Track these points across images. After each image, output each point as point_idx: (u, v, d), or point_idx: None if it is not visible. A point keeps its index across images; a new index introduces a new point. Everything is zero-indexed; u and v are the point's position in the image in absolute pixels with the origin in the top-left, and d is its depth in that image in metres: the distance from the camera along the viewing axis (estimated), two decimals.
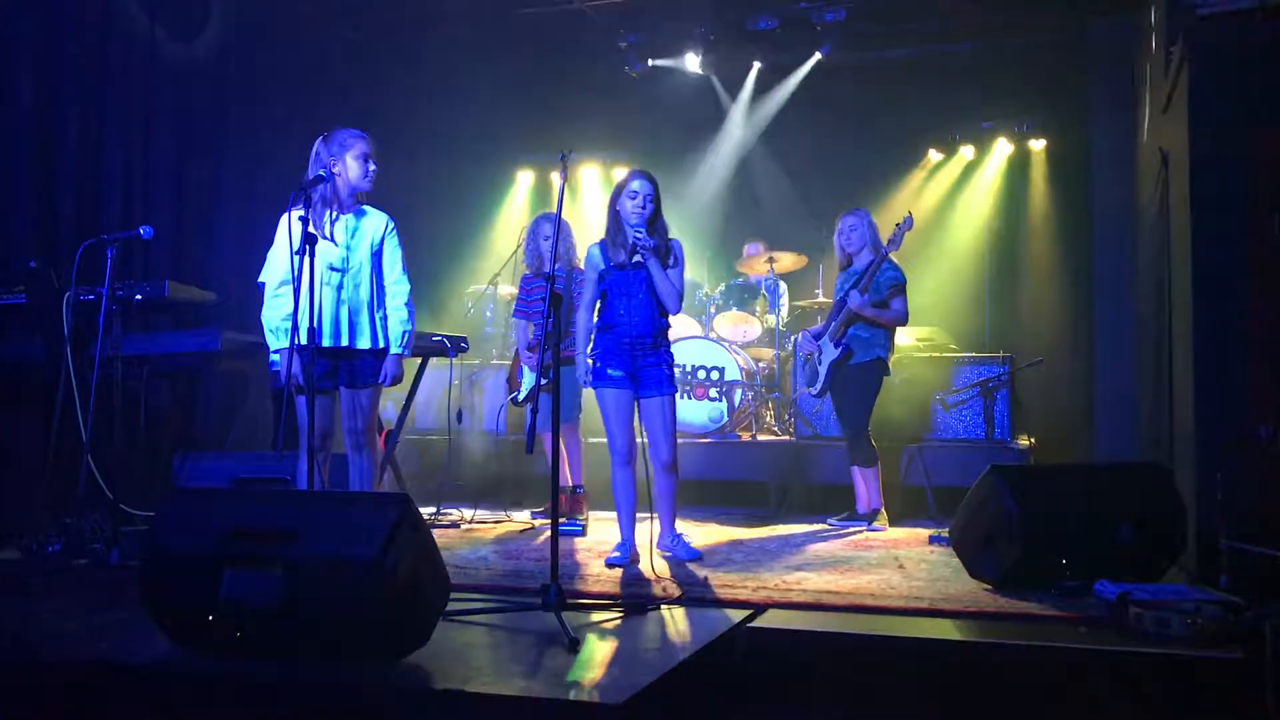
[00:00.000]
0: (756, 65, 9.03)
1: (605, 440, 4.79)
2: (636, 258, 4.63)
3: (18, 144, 5.97)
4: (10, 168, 5.95)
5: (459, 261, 9.09)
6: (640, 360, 4.67)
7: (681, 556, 4.65)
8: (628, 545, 4.69)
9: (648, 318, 4.67)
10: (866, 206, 6.27)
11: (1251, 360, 4.05)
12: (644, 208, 4.65)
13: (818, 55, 8.63)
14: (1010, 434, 6.80)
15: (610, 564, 4.63)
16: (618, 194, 4.71)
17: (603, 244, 4.72)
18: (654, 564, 4.61)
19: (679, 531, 4.83)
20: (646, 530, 4.75)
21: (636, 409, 4.75)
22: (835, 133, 8.86)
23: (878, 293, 5.88)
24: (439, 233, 8.95)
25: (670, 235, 4.77)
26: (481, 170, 9.70)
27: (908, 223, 5.89)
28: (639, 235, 4.58)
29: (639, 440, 4.70)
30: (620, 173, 9.37)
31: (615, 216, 4.70)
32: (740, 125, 9.22)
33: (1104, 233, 7.54)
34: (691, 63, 8.94)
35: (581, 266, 6.05)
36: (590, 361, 4.76)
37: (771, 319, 7.70)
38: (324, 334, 4.43)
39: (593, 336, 4.82)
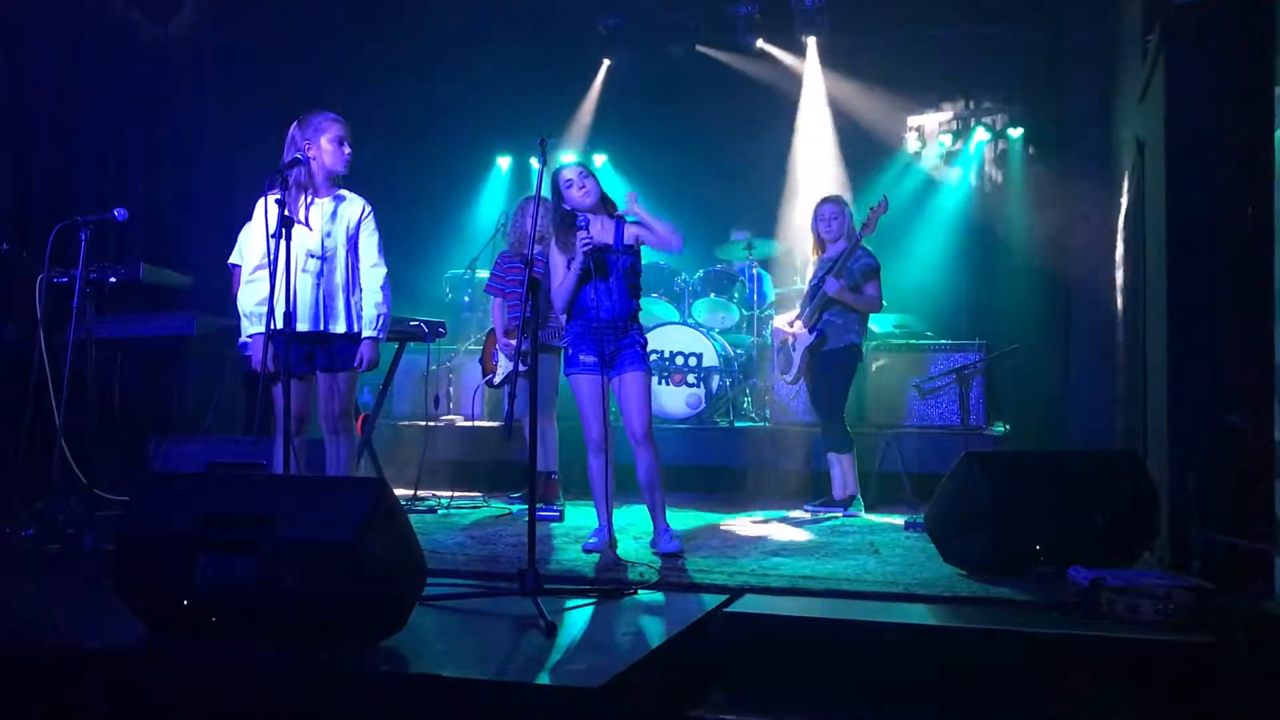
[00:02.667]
0: (735, 52, 9.02)
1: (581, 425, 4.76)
2: (605, 240, 4.60)
3: None
4: None
5: (437, 246, 9.04)
6: (615, 343, 4.64)
7: (663, 549, 4.58)
8: (604, 531, 4.69)
9: (621, 302, 4.64)
10: (844, 193, 6.28)
11: (1225, 348, 4.08)
12: (583, 187, 4.60)
13: (811, 42, 8.65)
14: (985, 421, 6.84)
15: (587, 549, 4.64)
16: (556, 191, 4.66)
17: (558, 243, 4.67)
18: (632, 550, 4.62)
19: (669, 525, 4.70)
20: (624, 516, 4.74)
21: (611, 393, 4.73)
22: (814, 119, 8.85)
23: (851, 278, 5.89)
24: (417, 217, 8.90)
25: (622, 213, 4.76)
26: (460, 155, 9.66)
27: (882, 206, 5.89)
28: (585, 241, 4.52)
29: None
30: (599, 159, 9.42)
31: (568, 215, 4.63)
32: (715, 112, 9.19)
33: (1080, 219, 7.57)
34: (670, 48, 8.91)
35: None
36: (565, 349, 4.74)
37: (750, 306, 7.71)
38: (300, 318, 4.40)
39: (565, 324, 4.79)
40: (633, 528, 4.95)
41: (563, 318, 5.01)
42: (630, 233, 4.69)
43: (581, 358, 4.64)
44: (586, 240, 4.52)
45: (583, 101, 9.35)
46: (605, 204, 4.71)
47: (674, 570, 4.22)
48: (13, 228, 5.81)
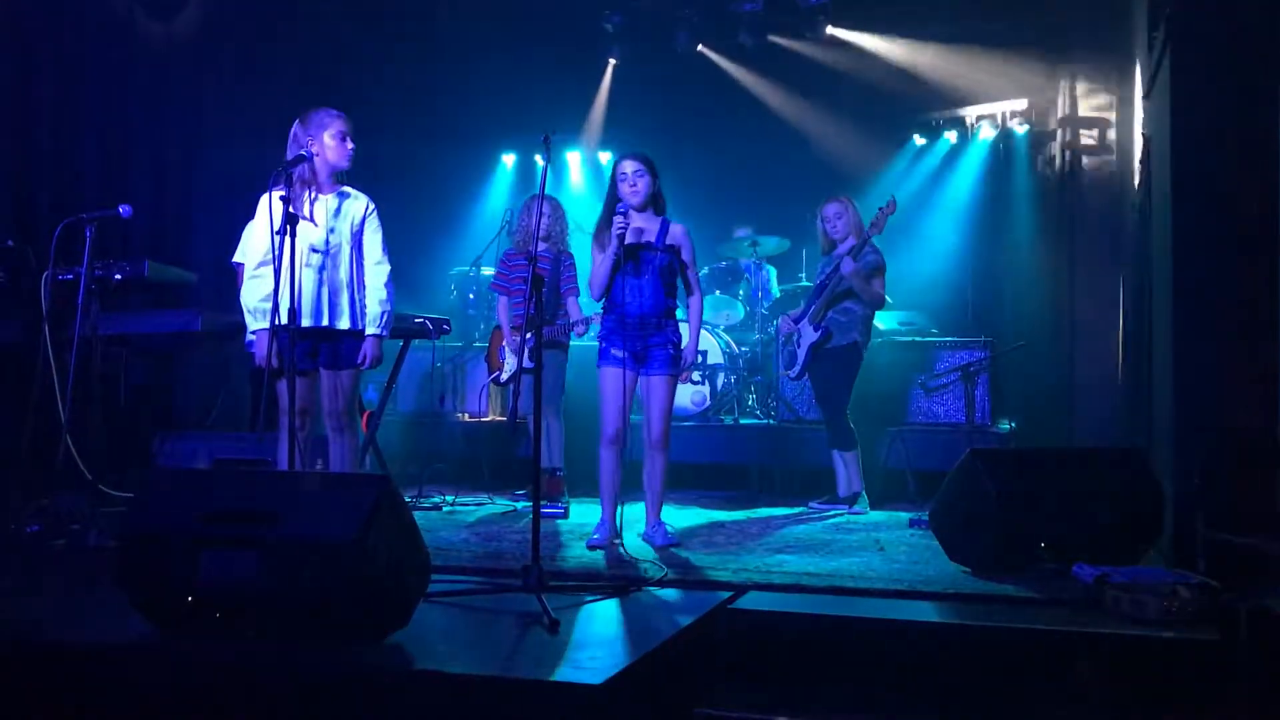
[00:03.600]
0: (739, 48, 9.02)
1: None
2: (647, 238, 4.65)
3: None
4: None
5: (442, 243, 9.05)
6: (647, 339, 4.68)
7: (658, 543, 4.65)
8: (607, 527, 4.70)
9: (654, 298, 4.68)
10: (850, 191, 6.28)
11: (1231, 345, 4.07)
12: (634, 185, 4.66)
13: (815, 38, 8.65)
14: (991, 418, 6.83)
15: (591, 545, 4.64)
16: (613, 179, 4.73)
17: (601, 232, 4.72)
18: (636, 546, 4.62)
19: (662, 520, 4.80)
20: (630, 512, 4.74)
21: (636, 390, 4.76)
22: (819, 117, 8.85)
23: (858, 274, 5.89)
24: (422, 214, 8.91)
25: (671, 217, 4.81)
26: (465, 152, 9.66)
27: (890, 206, 5.89)
28: (621, 226, 4.58)
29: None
30: (604, 156, 9.41)
31: (612, 203, 4.70)
32: (721, 109, 9.19)
33: (1086, 216, 7.56)
34: (676, 44, 8.92)
35: (571, 250, 6.05)
36: (599, 341, 4.76)
37: (755, 302, 7.70)
38: (304, 314, 4.41)
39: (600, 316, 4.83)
40: (638, 524, 4.95)
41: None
42: (675, 232, 4.73)
43: (612, 351, 4.69)
44: (622, 226, 4.56)
45: (588, 98, 9.35)
46: (655, 202, 4.76)
47: (678, 567, 4.22)
48: (18, 224, 5.82)
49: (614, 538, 4.68)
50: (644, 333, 4.67)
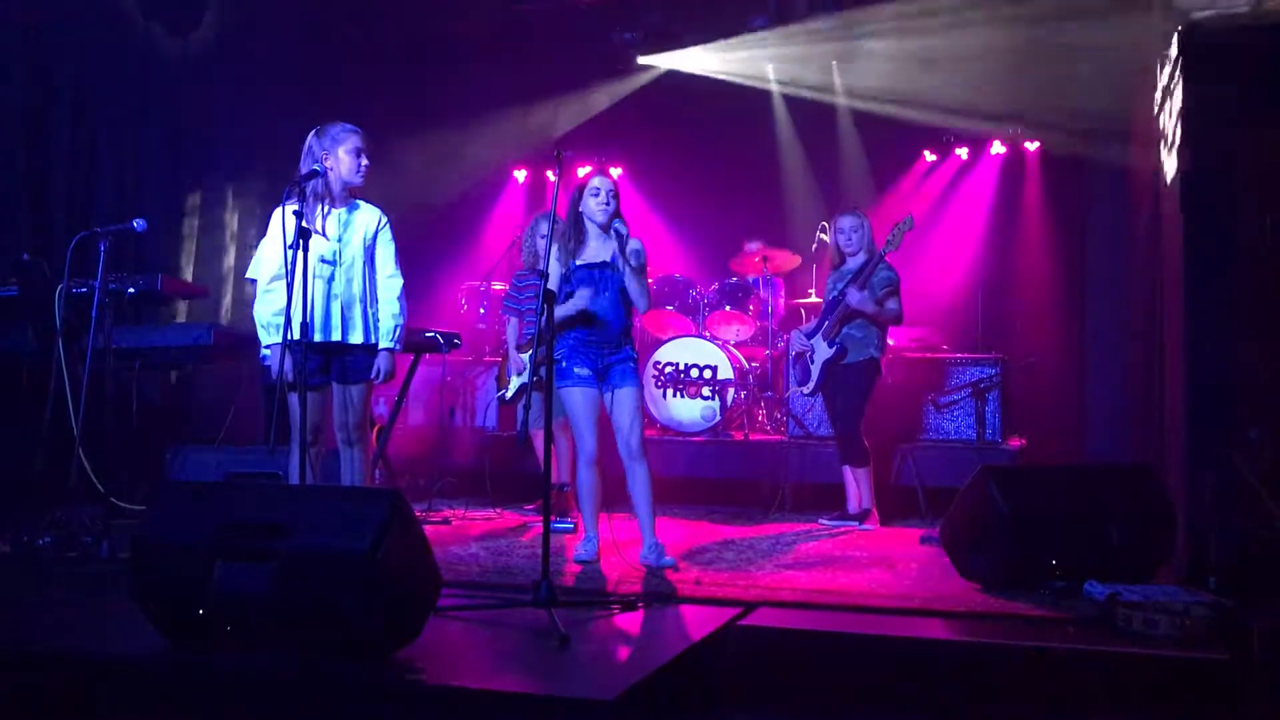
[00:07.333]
0: (750, 60, 9.05)
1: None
2: (603, 257, 4.67)
3: (12, 136, 5.96)
4: (4, 160, 5.93)
5: (452, 258, 9.07)
6: (609, 357, 4.69)
7: (653, 563, 4.56)
8: (594, 541, 4.75)
9: (617, 315, 4.69)
10: (861, 206, 6.28)
11: (1241, 362, 4.06)
12: (607, 204, 4.67)
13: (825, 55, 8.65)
14: (1002, 435, 6.81)
15: (578, 559, 4.70)
16: (579, 195, 4.73)
17: (558, 247, 4.70)
18: (643, 562, 4.62)
19: (658, 542, 4.69)
20: (621, 528, 4.73)
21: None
22: (830, 132, 8.86)
23: (872, 292, 5.89)
24: (433, 229, 8.93)
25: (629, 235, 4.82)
26: (476, 167, 9.68)
27: (908, 224, 5.88)
28: (621, 230, 4.61)
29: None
30: (615, 173, 9.43)
31: (578, 219, 4.71)
32: (732, 123, 9.20)
33: (1097, 234, 7.55)
34: (687, 59, 8.95)
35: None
36: (560, 362, 4.73)
37: (765, 318, 7.69)
38: (316, 329, 4.42)
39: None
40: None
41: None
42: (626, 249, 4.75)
43: (576, 370, 4.67)
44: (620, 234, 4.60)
45: (599, 113, 9.37)
46: (613, 222, 4.75)
47: (688, 583, 4.22)
48: (34, 238, 5.86)
49: (599, 551, 4.70)
50: (611, 350, 4.69)
